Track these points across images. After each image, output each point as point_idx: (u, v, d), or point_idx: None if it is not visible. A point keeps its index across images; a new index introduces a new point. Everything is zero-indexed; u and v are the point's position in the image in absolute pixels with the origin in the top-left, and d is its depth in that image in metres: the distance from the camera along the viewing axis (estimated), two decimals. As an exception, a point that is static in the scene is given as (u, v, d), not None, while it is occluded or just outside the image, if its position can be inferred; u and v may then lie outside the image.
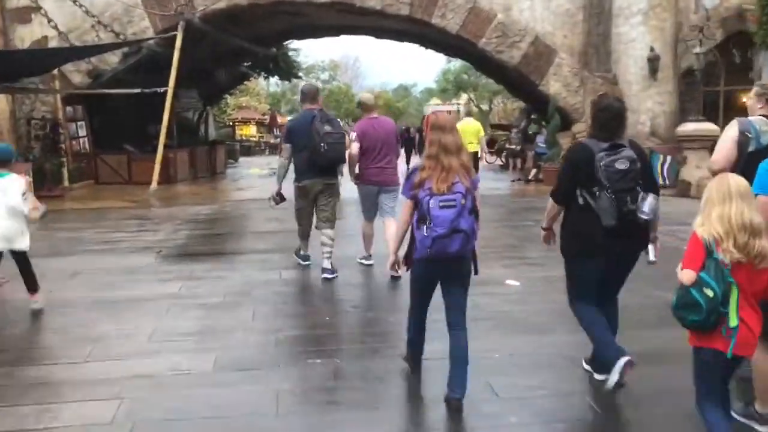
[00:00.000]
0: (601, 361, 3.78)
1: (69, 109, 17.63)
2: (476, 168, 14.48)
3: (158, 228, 9.61)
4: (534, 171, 17.05)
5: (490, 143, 25.67)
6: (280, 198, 6.62)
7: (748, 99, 3.97)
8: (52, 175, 15.80)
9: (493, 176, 20.02)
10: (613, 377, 3.49)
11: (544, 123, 17.64)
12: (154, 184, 15.22)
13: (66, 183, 16.20)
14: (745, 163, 3.56)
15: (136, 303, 5.51)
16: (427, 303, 3.77)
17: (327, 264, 6.30)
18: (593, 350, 3.89)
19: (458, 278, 3.63)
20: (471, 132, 13.50)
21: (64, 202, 13.83)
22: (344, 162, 6.37)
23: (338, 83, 62.91)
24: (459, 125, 14.29)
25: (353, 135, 6.43)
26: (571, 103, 16.46)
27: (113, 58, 16.93)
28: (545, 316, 5.12)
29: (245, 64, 25.84)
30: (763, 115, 3.80)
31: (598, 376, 3.87)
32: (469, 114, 19.83)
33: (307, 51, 52.95)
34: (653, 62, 15.61)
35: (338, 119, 6.80)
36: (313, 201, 6.38)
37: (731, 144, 3.74)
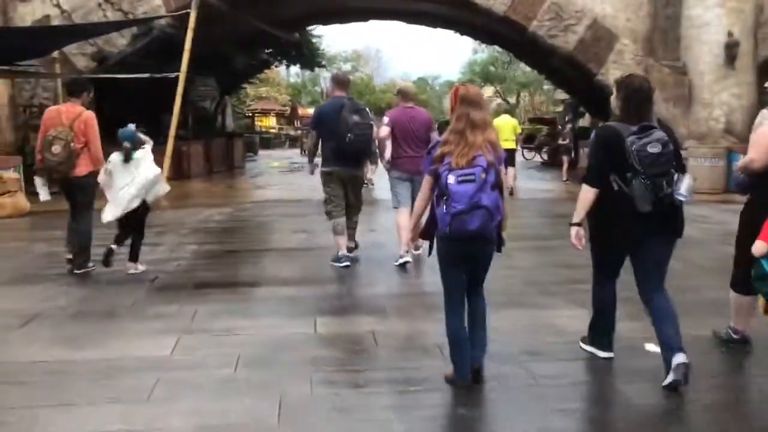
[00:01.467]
0: (594, 336, 3.91)
1: (73, 96, 16.02)
2: (513, 164, 13.58)
3: (159, 240, 7.88)
4: (588, 171, 15.07)
5: (529, 138, 23.82)
6: (313, 168, 6.69)
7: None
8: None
9: (539, 175, 18.15)
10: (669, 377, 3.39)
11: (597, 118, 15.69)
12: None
13: (67, 178, 14.56)
14: None
15: (104, 375, 3.74)
16: (459, 285, 3.49)
17: (350, 243, 6.47)
18: (590, 327, 3.96)
19: (480, 259, 3.47)
20: (507, 128, 13.46)
21: (60, 202, 12.21)
22: (370, 154, 6.38)
23: (360, 74, 61.04)
24: (495, 121, 14.82)
25: (385, 119, 6.36)
26: (633, 96, 14.50)
27: (121, 40, 15.26)
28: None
29: (266, 50, 24.13)
30: None
31: (602, 354, 3.87)
32: (507, 111, 18.77)
33: (329, 40, 51.17)
34: (731, 49, 13.59)
35: (367, 109, 6.51)
36: (342, 186, 6.33)
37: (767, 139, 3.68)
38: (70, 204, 6.30)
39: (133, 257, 6.16)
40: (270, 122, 44.02)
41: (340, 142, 5.94)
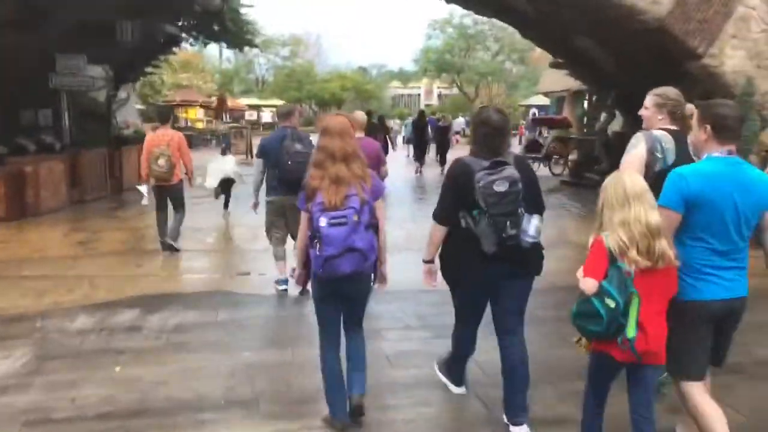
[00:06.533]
0: (449, 370, 3.99)
1: None
2: None
3: None
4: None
5: (534, 145, 18.28)
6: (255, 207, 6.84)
7: (644, 110, 3.72)
8: None
9: (566, 209, 12.35)
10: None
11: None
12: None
13: None
14: (652, 183, 3.05)
15: None
16: (334, 322, 3.49)
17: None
18: (447, 358, 3.99)
19: (354, 295, 3.46)
20: None
21: None
22: None
23: (301, 60, 54.53)
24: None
25: None
26: (762, 91, 8.98)
27: None
28: None
29: (177, 22, 17.59)
30: (664, 129, 3.60)
31: (454, 389, 3.98)
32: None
33: (263, 22, 44.34)
34: None
35: (310, 138, 6.21)
36: (284, 216, 6.41)
37: (639, 163, 3.52)
38: (162, 204, 8.12)
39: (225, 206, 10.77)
40: (195, 114, 37.02)
41: (282, 170, 6.13)
